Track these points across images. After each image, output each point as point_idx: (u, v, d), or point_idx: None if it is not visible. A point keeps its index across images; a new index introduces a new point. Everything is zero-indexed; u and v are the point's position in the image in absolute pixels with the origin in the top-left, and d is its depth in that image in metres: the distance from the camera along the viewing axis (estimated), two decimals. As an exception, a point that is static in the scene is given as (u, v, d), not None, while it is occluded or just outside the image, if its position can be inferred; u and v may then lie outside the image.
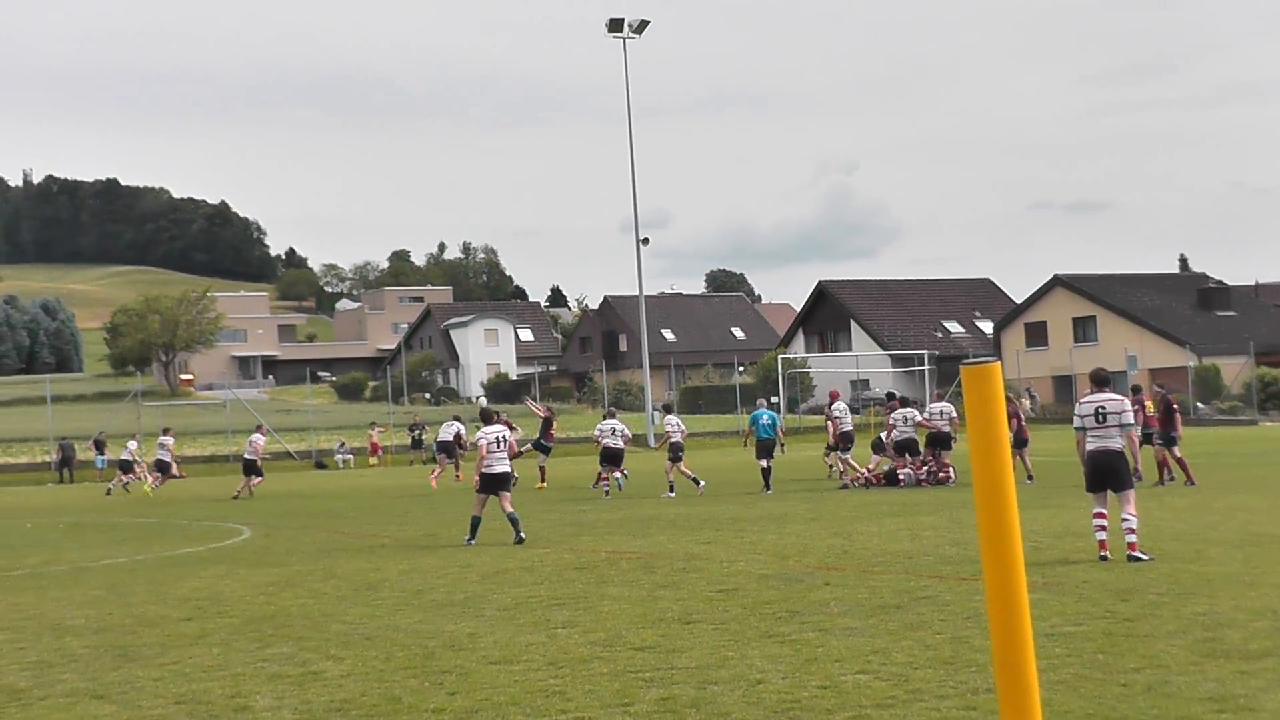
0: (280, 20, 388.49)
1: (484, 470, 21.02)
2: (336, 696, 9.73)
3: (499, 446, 21.08)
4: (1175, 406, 29.07)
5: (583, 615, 12.95)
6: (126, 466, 46.32)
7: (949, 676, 9.45)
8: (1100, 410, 15.73)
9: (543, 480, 36.25)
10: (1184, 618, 11.42)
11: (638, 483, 34.77)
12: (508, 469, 21.40)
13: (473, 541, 20.66)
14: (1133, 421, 16.08)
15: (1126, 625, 11.17)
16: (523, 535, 20.67)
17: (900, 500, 26.53)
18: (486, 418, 22.18)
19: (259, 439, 41.63)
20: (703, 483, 31.06)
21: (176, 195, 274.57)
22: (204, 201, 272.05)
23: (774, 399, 76.16)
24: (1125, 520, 15.41)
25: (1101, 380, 16.37)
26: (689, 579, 15.41)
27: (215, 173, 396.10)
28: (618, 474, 32.43)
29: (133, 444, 47.36)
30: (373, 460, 62.01)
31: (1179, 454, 27.95)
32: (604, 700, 9.20)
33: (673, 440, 32.04)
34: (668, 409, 34.04)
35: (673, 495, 30.34)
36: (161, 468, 44.54)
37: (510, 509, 21.02)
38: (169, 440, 45.79)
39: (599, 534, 21.98)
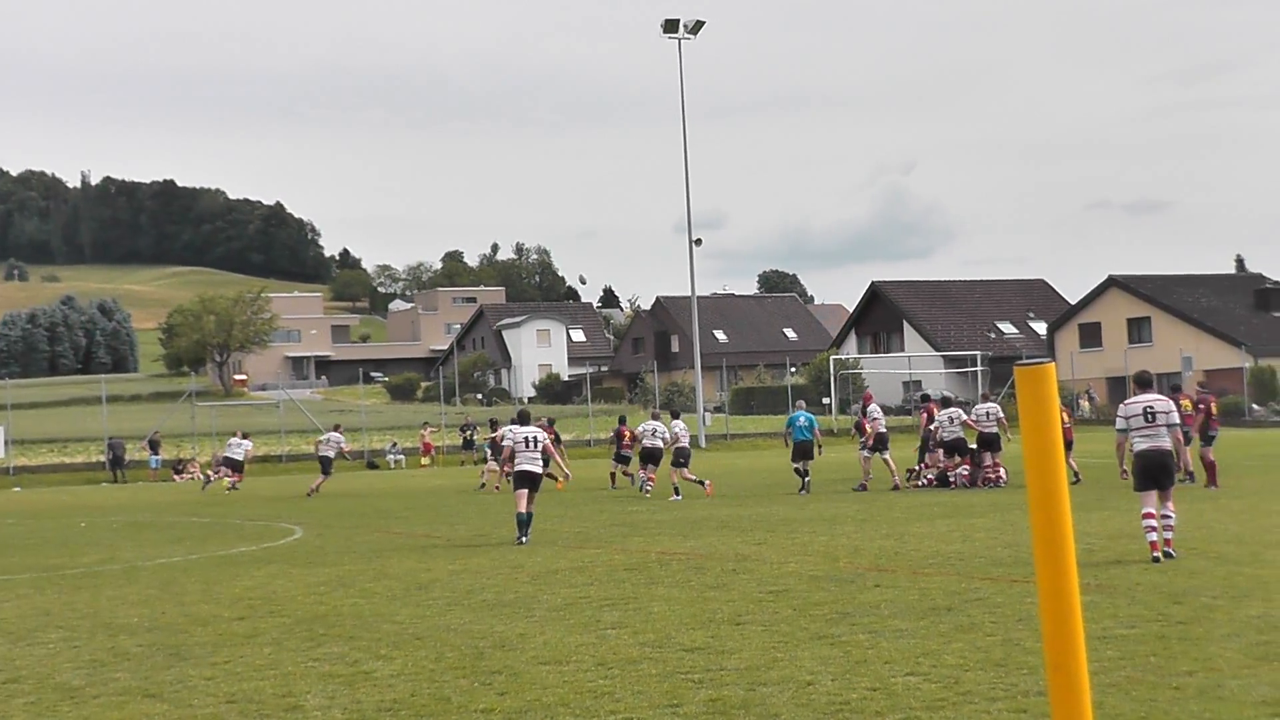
0: (335, 22, 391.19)
1: (518, 468, 21.63)
2: (387, 696, 9.76)
3: (528, 446, 21.63)
4: (1203, 407, 28.92)
5: (633, 616, 12.94)
6: (235, 465, 46.29)
7: (1000, 679, 9.40)
8: (1149, 410, 16.07)
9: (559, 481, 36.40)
10: (1238, 621, 11.31)
11: (683, 485, 34.68)
12: (539, 468, 21.80)
13: (524, 540, 20.77)
14: (1179, 421, 16.46)
15: (1180, 628, 11.07)
16: (526, 539, 21.00)
17: (952, 502, 26.40)
18: (523, 419, 23.02)
19: (337, 436, 41.96)
20: (679, 496, 30.90)
21: (233, 196, 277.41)
22: (259, 202, 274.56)
23: (825, 400, 76.29)
24: (1167, 517, 15.73)
25: (1145, 382, 17.21)
26: (739, 580, 15.38)
27: (271, 174, 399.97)
28: (643, 475, 32.69)
29: (233, 440, 47.37)
30: (424, 460, 62.22)
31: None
32: (653, 701, 9.19)
33: (678, 445, 32.25)
34: (675, 415, 34.12)
35: (679, 498, 30.64)
36: (233, 465, 44.74)
37: (531, 508, 21.46)
38: (249, 445, 46.11)
39: (649, 535, 21.98)
